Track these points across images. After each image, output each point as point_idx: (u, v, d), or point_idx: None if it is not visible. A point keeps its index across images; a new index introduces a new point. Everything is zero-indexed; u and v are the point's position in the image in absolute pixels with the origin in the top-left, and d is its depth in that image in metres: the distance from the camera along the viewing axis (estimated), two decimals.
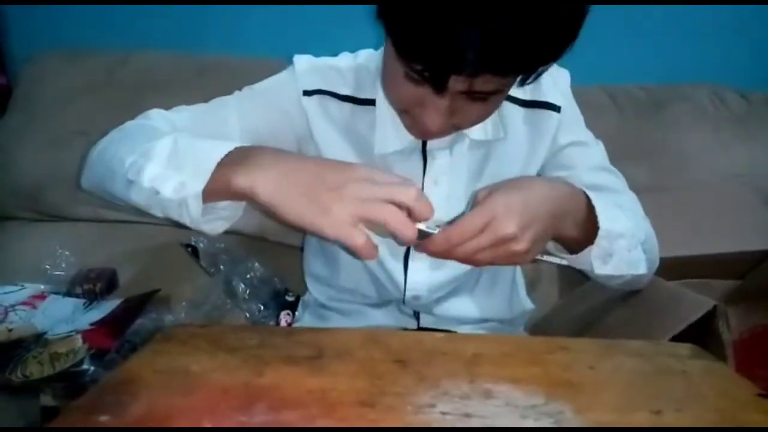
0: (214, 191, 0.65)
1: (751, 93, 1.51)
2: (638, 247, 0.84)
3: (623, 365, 0.62)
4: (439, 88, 0.66)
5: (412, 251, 0.94)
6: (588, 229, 0.76)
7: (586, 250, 0.77)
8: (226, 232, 1.38)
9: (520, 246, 0.68)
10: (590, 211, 0.76)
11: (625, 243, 0.80)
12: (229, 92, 1.45)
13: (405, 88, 0.70)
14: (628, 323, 1.10)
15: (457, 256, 0.67)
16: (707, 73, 1.54)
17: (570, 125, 0.92)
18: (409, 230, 0.58)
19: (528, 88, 0.86)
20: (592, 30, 1.48)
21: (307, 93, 0.87)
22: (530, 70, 0.67)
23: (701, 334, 1.02)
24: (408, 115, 0.76)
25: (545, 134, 0.90)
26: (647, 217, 0.93)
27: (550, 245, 0.81)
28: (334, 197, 0.57)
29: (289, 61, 1.46)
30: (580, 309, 1.22)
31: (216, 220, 0.72)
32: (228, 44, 1.56)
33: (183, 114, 0.86)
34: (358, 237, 0.57)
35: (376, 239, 0.60)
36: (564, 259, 0.77)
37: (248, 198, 0.62)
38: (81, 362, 0.93)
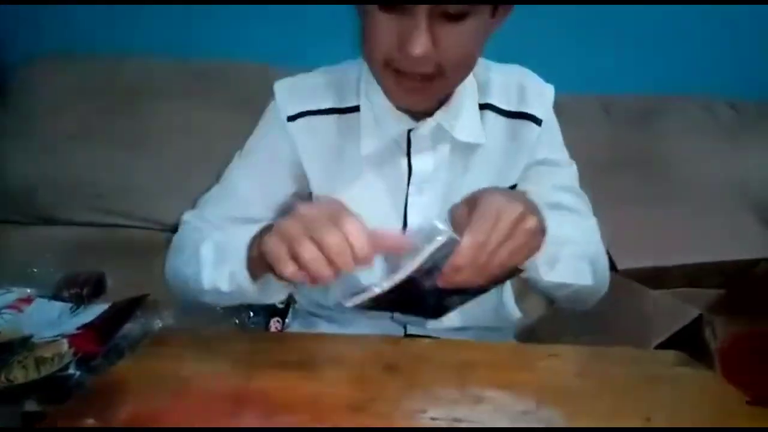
0: (258, 267, 0.72)
1: (740, 103, 1.53)
2: (585, 259, 0.85)
3: (613, 372, 0.63)
4: None
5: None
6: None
7: (533, 256, 0.77)
8: None
9: (532, 221, 0.68)
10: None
11: (571, 250, 0.80)
12: (225, 98, 1.47)
13: (384, 26, 0.72)
14: (614, 331, 1.11)
15: (486, 258, 0.65)
16: (698, 83, 1.55)
17: (547, 142, 0.94)
18: (323, 272, 0.61)
19: (513, 99, 0.88)
20: (585, 40, 1.51)
21: (291, 118, 0.89)
22: None
23: (687, 342, 1.03)
24: (389, 70, 0.76)
25: (524, 146, 0.91)
26: (633, 225, 0.93)
27: None
28: (275, 236, 0.64)
29: (285, 67, 1.47)
30: (571, 318, 1.22)
31: (277, 291, 0.77)
32: (224, 50, 1.56)
33: (209, 208, 0.92)
34: (285, 267, 0.62)
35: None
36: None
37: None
38: (67, 367, 0.92)
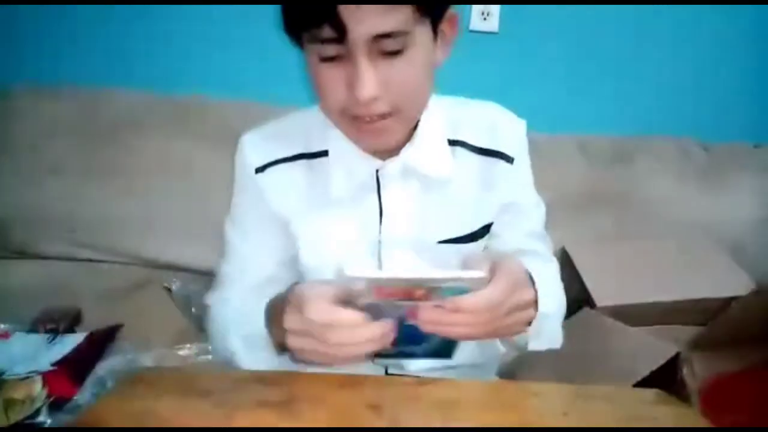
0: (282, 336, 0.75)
1: (712, 146, 1.57)
2: (559, 322, 0.89)
3: (595, 411, 0.63)
4: (339, 30, 0.68)
5: None
6: None
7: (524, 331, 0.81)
8: (201, 273, 1.38)
9: (530, 313, 0.74)
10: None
11: (553, 322, 0.85)
12: (204, 133, 1.47)
13: (328, 76, 0.73)
14: (594, 369, 1.12)
15: (491, 316, 0.68)
16: (671, 125, 1.60)
17: (518, 181, 0.95)
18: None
19: (484, 137, 0.90)
20: (563, 83, 1.55)
21: (258, 170, 0.90)
22: None
23: (665, 380, 1.04)
24: (347, 118, 0.77)
25: (495, 185, 0.92)
26: (610, 263, 0.95)
27: None
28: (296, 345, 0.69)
29: (264, 103, 1.48)
30: (548, 355, 1.23)
31: None
32: (204, 85, 1.57)
33: (227, 288, 0.94)
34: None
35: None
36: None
37: None
38: (38, 412, 0.89)
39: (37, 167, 1.44)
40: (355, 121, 0.77)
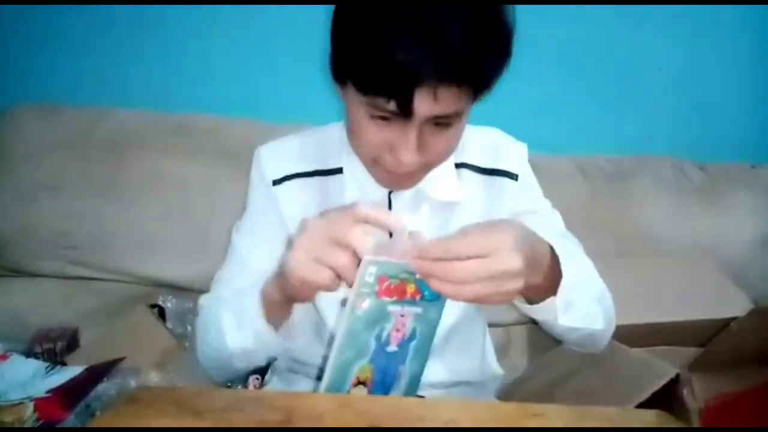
0: (276, 313, 0.79)
1: (709, 166, 1.58)
2: (596, 302, 0.85)
3: (599, 427, 0.63)
4: (406, 110, 0.69)
5: None
6: (549, 277, 0.74)
7: (549, 300, 0.76)
8: (196, 291, 1.37)
9: (518, 284, 0.64)
10: (553, 261, 0.74)
11: (583, 294, 0.80)
12: (204, 152, 1.48)
13: (374, 133, 0.74)
14: (594, 390, 1.11)
15: (449, 275, 0.62)
16: (669, 146, 1.60)
17: (526, 196, 0.96)
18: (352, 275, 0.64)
19: (487, 157, 0.91)
20: (561, 105, 1.56)
21: (276, 182, 0.91)
22: (483, 79, 0.71)
23: (666, 401, 1.03)
24: (378, 166, 0.79)
25: (503, 201, 0.93)
26: (609, 284, 0.93)
27: None
28: (297, 252, 0.67)
29: (265, 122, 1.48)
30: (548, 375, 1.22)
31: (299, 331, 0.85)
32: (203, 104, 1.57)
33: (222, 288, 0.94)
34: (318, 276, 0.66)
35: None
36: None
37: (286, 281, 0.71)
38: None
39: (34, 185, 1.45)
40: (386, 171, 0.78)
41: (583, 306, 0.80)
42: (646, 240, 1.48)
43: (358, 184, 0.88)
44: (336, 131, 0.93)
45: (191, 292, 1.40)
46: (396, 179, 0.81)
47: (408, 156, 0.73)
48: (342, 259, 0.64)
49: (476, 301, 0.64)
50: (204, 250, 1.42)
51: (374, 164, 0.79)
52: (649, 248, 1.47)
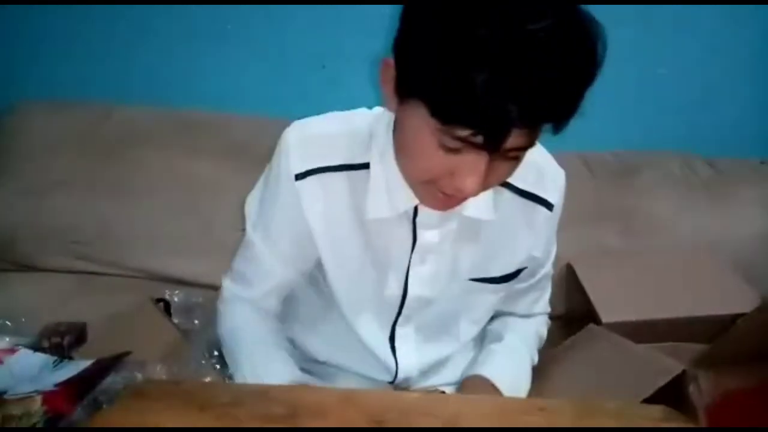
0: None
1: (718, 161, 1.57)
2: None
3: (601, 426, 0.62)
4: (494, 147, 0.64)
5: (397, 335, 0.95)
6: None
7: None
8: (203, 286, 1.38)
9: None
10: None
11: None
12: (212, 148, 1.48)
13: (437, 158, 0.67)
14: (599, 386, 1.10)
15: None
16: (676, 142, 1.59)
17: (550, 234, 0.96)
18: None
19: (530, 179, 0.88)
20: None
21: (299, 176, 0.85)
22: (569, 114, 0.68)
23: (672, 397, 1.02)
24: (429, 187, 0.73)
25: (534, 228, 0.92)
26: (615, 279, 0.99)
27: None
28: None
29: (273, 119, 1.48)
30: (554, 371, 1.22)
31: None
32: (210, 100, 1.58)
33: (245, 287, 0.97)
34: None
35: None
36: None
37: None
38: (33, 426, 0.88)
39: (42, 181, 1.45)
40: (436, 192, 0.72)
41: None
42: (652, 235, 1.47)
43: (386, 187, 0.82)
44: (365, 121, 0.86)
45: (198, 287, 1.40)
46: (443, 202, 0.75)
47: (473, 185, 0.67)
48: None
49: None
50: (210, 245, 1.42)
51: (425, 185, 0.73)
52: (655, 244, 1.46)
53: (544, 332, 1.09)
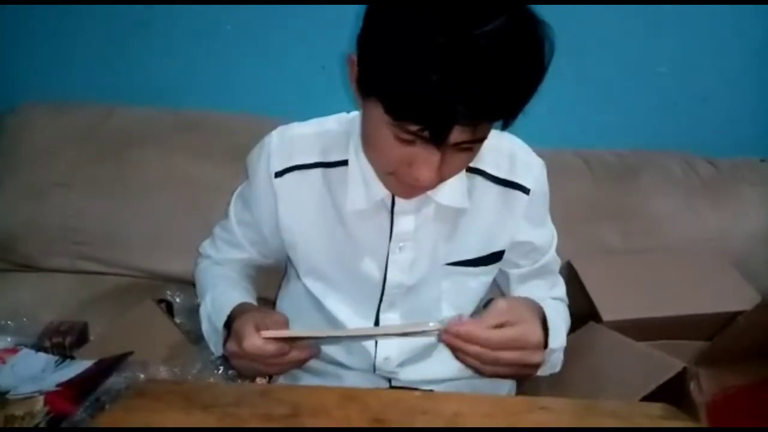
0: None
1: (718, 160, 1.56)
2: (562, 352, 0.96)
3: (602, 425, 0.63)
4: (440, 141, 0.69)
5: (381, 321, 0.97)
6: None
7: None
8: None
9: (534, 372, 0.81)
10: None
11: (556, 355, 0.93)
12: (213, 148, 1.48)
13: (395, 150, 0.73)
14: (600, 384, 1.11)
15: (482, 357, 0.75)
16: (676, 141, 1.59)
17: (532, 216, 0.98)
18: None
19: (503, 167, 0.92)
20: (568, 98, 1.56)
21: (278, 174, 0.92)
22: (516, 112, 0.72)
23: (673, 395, 1.03)
24: (393, 176, 0.78)
25: (513, 214, 0.95)
26: (615, 278, 1.01)
27: None
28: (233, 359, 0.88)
29: (274, 118, 1.48)
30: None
31: None
32: (210, 100, 1.58)
33: (216, 252, 1.12)
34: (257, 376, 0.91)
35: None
36: None
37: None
38: (35, 426, 0.89)
39: (43, 181, 1.45)
40: (399, 182, 0.79)
41: (553, 362, 0.94)
42: (653, 234, 1.47)
43: (363, 179, 0.88)
44: (342, 123, 0.94)
45: None
46: (408, 191, 0.82)
47: (427, 176, 0.73)
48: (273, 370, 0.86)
49: (495, 376, 0.80)
50: None
51: (388, 175, 0.80)
52: (656, 242, 1.46)
53: (569, 318, 1.07)
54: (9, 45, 1.57)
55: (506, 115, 0.71)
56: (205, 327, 1.00)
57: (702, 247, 1.44)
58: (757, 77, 1.56)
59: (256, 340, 0.79)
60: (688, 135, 1.60)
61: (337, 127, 0.94)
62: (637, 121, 1.60)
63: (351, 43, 1.53)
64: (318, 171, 0.92)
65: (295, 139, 0.94)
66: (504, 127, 0.73)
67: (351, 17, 1.46)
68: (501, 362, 0.75)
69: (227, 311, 0.93)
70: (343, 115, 0.96)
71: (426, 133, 0.68)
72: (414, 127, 0.68)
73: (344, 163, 0.90)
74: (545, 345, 0.81)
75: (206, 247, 1.14)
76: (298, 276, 1.01)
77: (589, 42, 1.50)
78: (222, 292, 1.01)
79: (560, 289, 1.09)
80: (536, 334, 0.79)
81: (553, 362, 0.93)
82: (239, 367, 0.87)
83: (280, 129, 0.96)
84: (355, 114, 0.92)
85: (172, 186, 1.46)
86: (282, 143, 0.94)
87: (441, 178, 0.76)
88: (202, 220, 1.45)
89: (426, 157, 0.72)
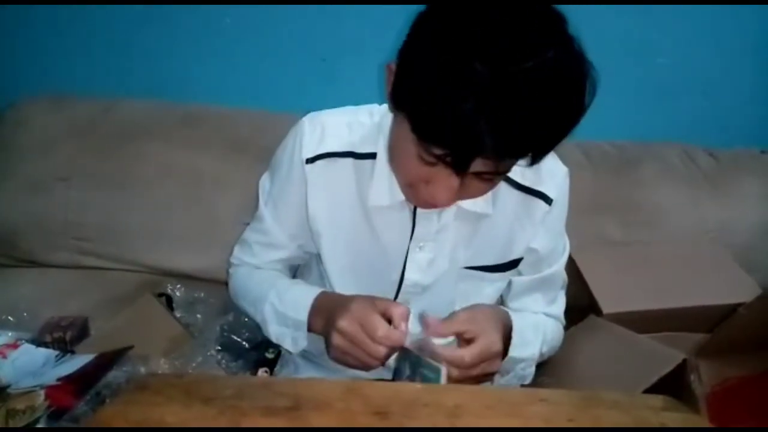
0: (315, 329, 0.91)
1: (719, 151, 1.56)
2: (533, 366, 0.96)
3: (602, 418, 0.63)
4: (461, 169, 0.68)
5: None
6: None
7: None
8: (205, 281, 1.39)
9: (497, 364, 0.83)
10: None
11: (523, 366, 0.93)
12: (214, 142, 1.48)
13: (416, 167, 0.72)
14: (601, 376, 1.11)
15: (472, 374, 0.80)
16: (676, 132, 1.59)
17: (550, 228, 0.96)
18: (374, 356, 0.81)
19: (528, 174, 0.90)
20: None
21: (309, 161, 0.91)
22: (545, 151, 0.71)
23: (673, 386, 1.03)
24: (411, 188, 0.78)
25: (533, 221, 0.94)
26: (616, 270, 1.01)
27: None
28: (335, 335, 0.83)
29: (275, 113, 1.47)
30: (556, 362, 1.22)
31: None
32: (211, 94, 1.58)
33: (252, 258, 1.04)
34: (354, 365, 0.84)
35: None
36: None
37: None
38: (37, 421, 0.89)
39: (44, 176, 1.46)
40: (415, 193, 0.79)
41: (519, 373, 0.94)
42: (653, 226, 1.47)
43: (388, 176, 0.87)
44: (375, 115, 0.92)
45: (200, 281, 1.41)
46: (424, 204, 0.82)
47: (443, 198, 0.73)
48: (381, 353, 0.79)
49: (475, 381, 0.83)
50: (213, 239, 1.42)
51: (407, 186, 0.80)
52: (656, 234, 1.46)
53: (558, 336, 1.06)
54: (9, 39, 1.58)
55: (533, 154, 0.70)
56: (273, 328, 0.95)
57: (702, 239, 1.44)
58: (757, 68, 1.56)
59: (393, 333, 0.78)
60: (688, 126, 1.60)
61: (369, 119, 0.92)
62: (637, 112, 1.60)
63: (351, 37, 1.53)
64: (349, 161, 0.91)
65: (327, 126, 0.92)
66: (531, 164, 0.72)
67: (351, 11, 1.47)
68: (468, 377, 0.79)
69: (309, 301, 0.91)
70: (375, 107, 0.94)
71: (449, 159, 0.67)
72: (438, 151, 0.67)
73: (373, 156, 0.89)
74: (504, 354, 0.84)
75: (240, 255, 1.06)
76: (317, 263, 1.01)
77: (588, 33, 1.49)
78: (287, 288, 0.97)
79: (558, 306, 1.06)
80: (496, 344, 0.81)
81: (519, 373, 0.94)
82: (339, 343, 0.81)
83: (311, 115, 0.94)
84: (387, 107, 0.90)
85: (173, 180, 1.47)
86: (313, 130, 0.92)
87: (458, 199, 0.76)
88: (203, 214, 1.45)
89: (445, 180, 0.71)
